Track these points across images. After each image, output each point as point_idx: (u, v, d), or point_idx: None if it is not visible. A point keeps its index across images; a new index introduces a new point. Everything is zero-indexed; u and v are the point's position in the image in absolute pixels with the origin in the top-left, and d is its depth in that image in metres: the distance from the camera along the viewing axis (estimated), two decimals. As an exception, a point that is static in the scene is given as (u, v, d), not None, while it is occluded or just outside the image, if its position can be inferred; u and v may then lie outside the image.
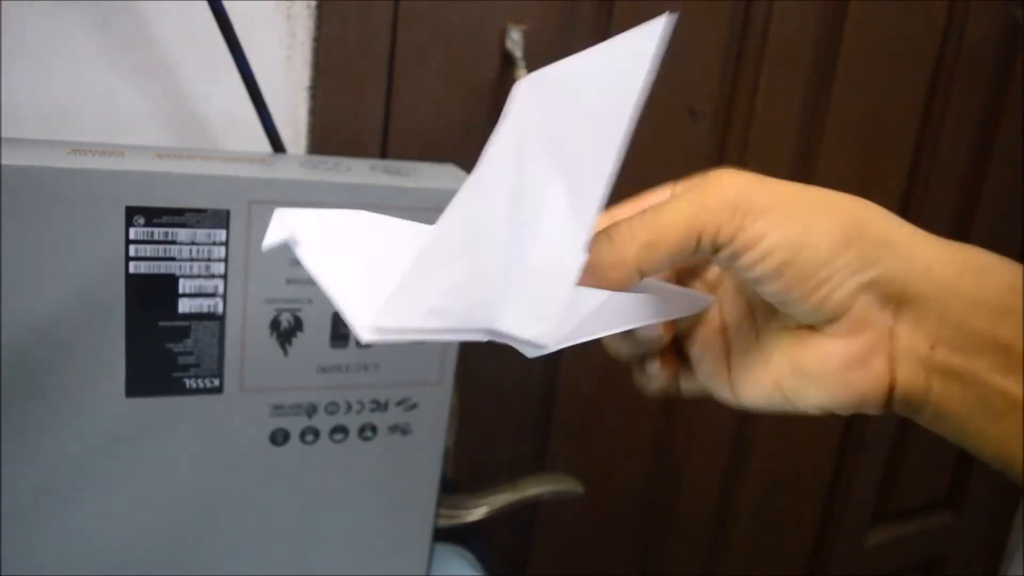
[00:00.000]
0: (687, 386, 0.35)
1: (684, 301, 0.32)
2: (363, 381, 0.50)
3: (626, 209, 0.32)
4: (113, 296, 0.43)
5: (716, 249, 0.28)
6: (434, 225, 0.27)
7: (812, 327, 0.29)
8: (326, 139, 0.62)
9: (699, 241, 0.28)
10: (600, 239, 0.29)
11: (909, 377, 0.28)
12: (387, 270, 0.27)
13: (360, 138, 0.64)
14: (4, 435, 0.44)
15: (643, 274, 0.29)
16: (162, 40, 0.56)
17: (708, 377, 0.34)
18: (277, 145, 0.54)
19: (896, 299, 0.28)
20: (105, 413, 0.45)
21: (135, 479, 0.47)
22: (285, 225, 0.27)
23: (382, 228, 0.29)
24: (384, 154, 0.65)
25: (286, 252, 0.46)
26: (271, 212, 0.45)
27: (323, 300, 0.47)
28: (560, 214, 0.28)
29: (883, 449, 1.06)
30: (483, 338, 0.28)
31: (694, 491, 0.96)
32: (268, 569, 0.52)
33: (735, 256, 0.28)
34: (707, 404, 1.00)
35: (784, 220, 0.28)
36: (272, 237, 0.27)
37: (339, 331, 0.48)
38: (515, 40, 0.67)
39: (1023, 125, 0.97)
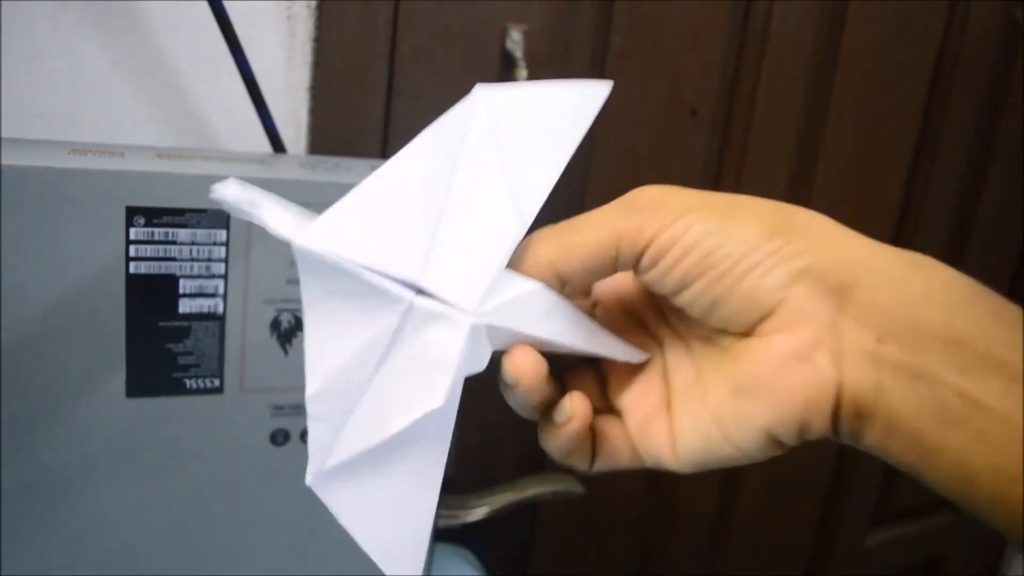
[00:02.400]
0: (600, 463, 0.31)
1: (617, 348, 0.30)
2: (363, 381, 0.50)
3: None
4: (113, 296, 0.43)
5: (638, 254, 0.27)
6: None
7: (747, 334, 0.27)
8: (326, 139, 0.62)
9: (619, 245, 0.27)
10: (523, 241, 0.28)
11: (857, 375, 0.25)
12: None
13: (360, 138, 0.64)
14: (4, 435, 0.44)
15: (561, 278, 0.28)
16: (162, 40, 0.56)
17: (641, 429, 0.30)
18: (277, 145, 0.54)
19: (836, 290, 0.25)
20: (105, 413, 0.45)
21: (135, 479, 0.47)
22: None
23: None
24: (384, 154, 0.65)
25: (286, 251, 0.46)
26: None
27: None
28: (500, 199, 0.28)
29: (883, 449, 1.06)
30: (408, 294, 0.27)
31: (694, 491, 0.96)
32: (268, 569, 0.52)
33: (657, 256, 0.27)
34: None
35: (707, 215, 0.27)
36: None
37: (339, 331, 0.48)
38: (515, 40, 0.67)
39: (1023, 125, 0.97)
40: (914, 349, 0.24)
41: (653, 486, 0.93)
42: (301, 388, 0.48)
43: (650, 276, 0.28)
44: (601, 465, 0.31)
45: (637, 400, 0.31)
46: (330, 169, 0.48)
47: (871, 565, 1.13)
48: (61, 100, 0.55)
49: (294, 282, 0.47)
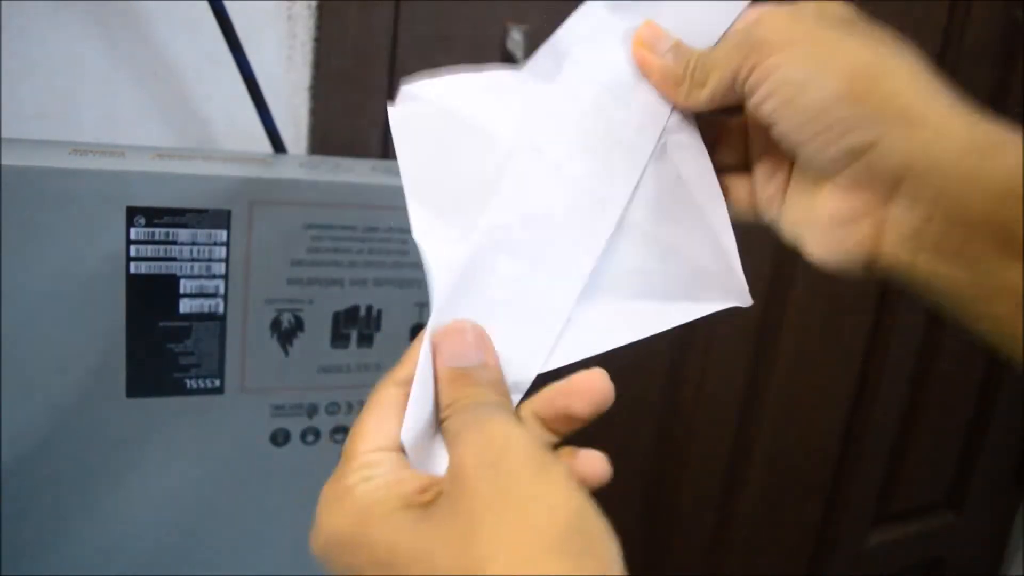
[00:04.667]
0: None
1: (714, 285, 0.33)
2: (364, 381, 0.50)
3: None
4: (114, 296, 0.43)
5: (741, 87, 0.30)
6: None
7: (820, 179, 0.30)
8: (327, 139, 0.62)
9: (736, 79, 0.30)
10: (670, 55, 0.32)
11: (894, 249, 0.29)
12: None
13: (361, 138, 0.64)
14: (4, 435, 0.44)
15: (701, 100, 0.32)
16: (163, 40, 0.56)
17: (763, 194, 0.34)
18: (278, 145, 0.54)
19: (893, 172, 0.28)
20: (105, 413, 0.45)
21: (135, 479, 0.47)
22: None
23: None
24: (385, 154, 0.65)
25: (287, 252, 0.46)
26: (272, 212, 0.45)
27: (324, 300, 0.47)
28: None
29: (884, 450, 1.06)
30: None
31: (694, 491, 0.95)
32: (268, 569, 0.52)
33: (752, 90, 0.30)
34: (708, 404, 1.00)
35: (797, 59, 0.29)
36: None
37: (340, 331, 0.48)
38: (516, 40, 0.66)
39: (1024, 125, 0.97)
40: (958, 233, 0.27)
41: (653, 486, 0.93)
42: (301, 388, 0.49)
43: (751, 105, 0.31)
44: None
45: (767, 173, 0.34)
46: (330, 169, 0.48)
47: (872, 565, 1.13)
48: (61, 100, 0.55)
49: (294, 282, 0.47)
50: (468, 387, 0.28)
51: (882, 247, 0.29)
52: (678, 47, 0.32)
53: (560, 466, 0.25)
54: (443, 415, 0.28)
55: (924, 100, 0.28)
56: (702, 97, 0.32)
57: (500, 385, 0.29)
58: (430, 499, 0.25)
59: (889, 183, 0.28)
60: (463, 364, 0.28)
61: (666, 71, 0.32)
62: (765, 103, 0.29)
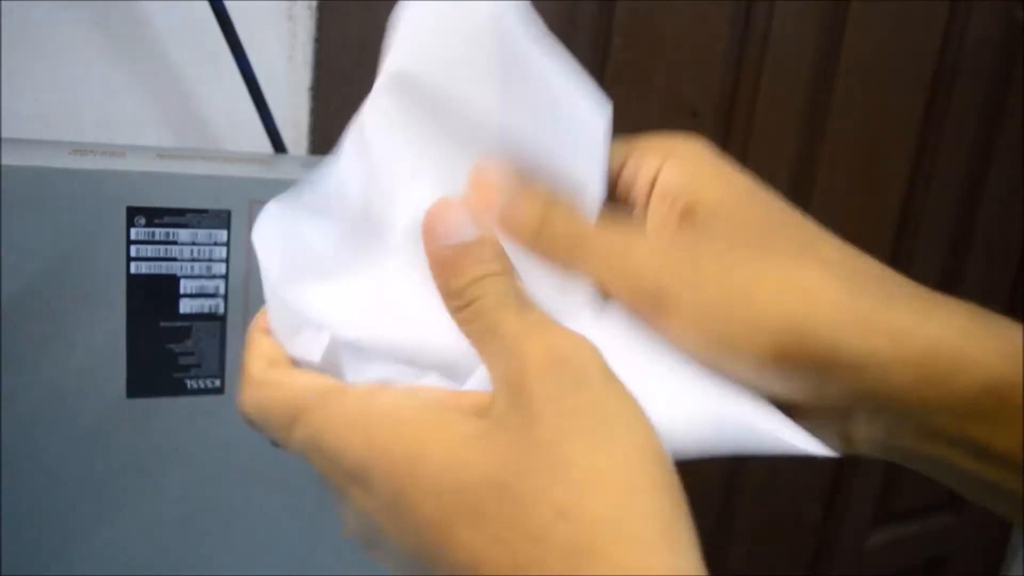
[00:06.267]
0: None
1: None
2: (364, 381, 0.50)
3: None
4: (114, 296, 0.43)
5: None
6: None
7: None
8: (327, 139, 0.62)
9: None
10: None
11: (867, 449, 0.26)
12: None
13: (361, 138, 0.64)
14: (4, 435, 0.44)
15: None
16: (163, 40, 0.56)
17: None
18: (278, 145, 0.54)
19: (845, 407, 0.24)
20: (105, 413, 0.45)
21: (135, 479, 0.47)
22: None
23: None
24: (385, 154, 0.65)
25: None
26: (272, 212, 0.45)
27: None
28: None
29: (884, 450, 1.06)
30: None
31: (694, 491, 0.95)
32: (269, 569, 0.52)
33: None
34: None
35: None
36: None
37: (340, 331, 0.48)
38: (516, 40, 0.66)
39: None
40: (926, 443, 0.24)
41: (654, 486, 0.93)
42: (302, 388, 0.49)
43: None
44: None
45: None
46: (331, 169, 0.48)
47: (872, 566, 1.13)
48: (62, 100, 0.55)
49: (295, 282, 0.47)
50: (476, 266, 0.24)
51: (856, 445, 0.25)
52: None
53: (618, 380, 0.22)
54: (456, 306, 0.24)
55: (858, 333, 0.23)
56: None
57: (506, 259, 0.25)
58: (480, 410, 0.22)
59: (844, 411, 0.25)
60: (459, 240, 0.25)
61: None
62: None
